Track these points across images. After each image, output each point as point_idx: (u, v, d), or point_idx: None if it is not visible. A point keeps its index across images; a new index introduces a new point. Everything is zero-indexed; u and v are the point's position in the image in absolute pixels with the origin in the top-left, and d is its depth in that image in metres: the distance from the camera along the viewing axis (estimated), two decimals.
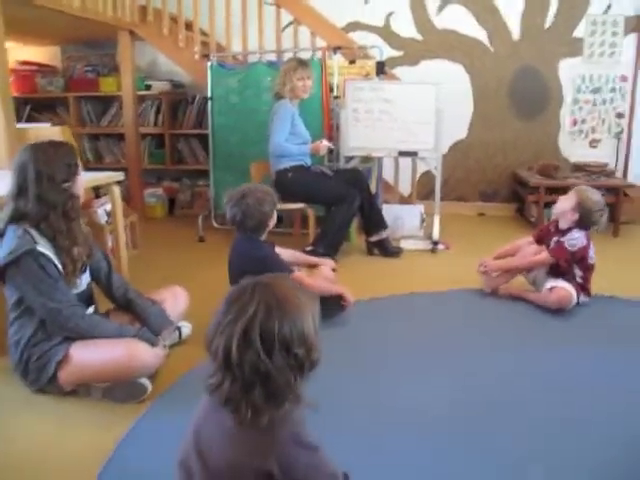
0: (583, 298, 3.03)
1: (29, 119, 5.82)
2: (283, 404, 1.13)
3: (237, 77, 4.63)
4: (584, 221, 2.99)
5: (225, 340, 1.10)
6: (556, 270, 3.05)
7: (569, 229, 3.03)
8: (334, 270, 3.13)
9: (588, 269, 3.04)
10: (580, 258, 2.99)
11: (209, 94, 4.69)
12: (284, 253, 2.95)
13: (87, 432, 1.97)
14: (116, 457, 1.80)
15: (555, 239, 3.07)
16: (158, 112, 5.62)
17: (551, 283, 3.03)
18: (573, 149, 5.39)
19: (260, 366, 1.08)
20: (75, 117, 5.73)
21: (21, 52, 5.88)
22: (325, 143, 4.03)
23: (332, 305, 2.79)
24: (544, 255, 3.06)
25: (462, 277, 3.46)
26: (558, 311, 2.94)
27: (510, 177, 5.50)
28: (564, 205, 3.04)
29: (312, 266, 3.10)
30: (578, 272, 3.03)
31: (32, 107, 5.88)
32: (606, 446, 1.82)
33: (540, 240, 3.21)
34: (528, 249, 3.21)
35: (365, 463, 1.71)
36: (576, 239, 2.98)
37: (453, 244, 4.32)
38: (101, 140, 5.87)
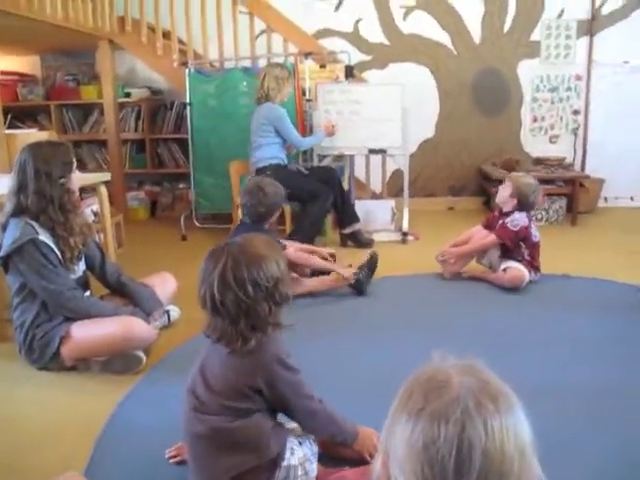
0: (534, 275, 3.34)
1: (11, 127, 5.98)
2: (266, 330, 1.43)
3: (214, 83, 4.89)
4: (523, 203, 3.31)
5: (208, 288, 1.40)
6: (506, 252, 3.35)
7: (511, 212, 3.34)
8: (332, 255, 3.44)
9: (534, 247, 3.35)
10: (524, 237, 3.31)
11: (187, 99, 4.93)
12: (289, 244, 3.29)
13: (88, 399, 2.20)
14: (116, 416, 2.05)
15: (500, 222, 3.38)
16: (138, 118, 5.83)
17: (504, 264, 3.33)
18: (534, 145, 5.74)
19: (240, 302, 1.39)
20: (57, 125, 5.93)
21: (1, 62, 6.06)
22: (332, 122, 4.43)
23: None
24: (491, 237, 3.36)
25: (430, 263, 3.71)
26: (513, 289, 3.24)
27: (476, 172, 5.82)
28: (503, 193, 3.38)
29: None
30: (525, 251, 3.34)
31: (13, 116, 6.05)
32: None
33: (489, 227, 3.50)
34: (479, 235, 3.51)
35: None
36: (517, 219, 3.29)
37: (422, 235, 4.60)
38: (83, 147, 6.05)
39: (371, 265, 3.32)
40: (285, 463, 1.48)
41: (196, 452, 1.48)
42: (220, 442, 1.44)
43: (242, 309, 1.39)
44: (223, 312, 1.40)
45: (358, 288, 3.24)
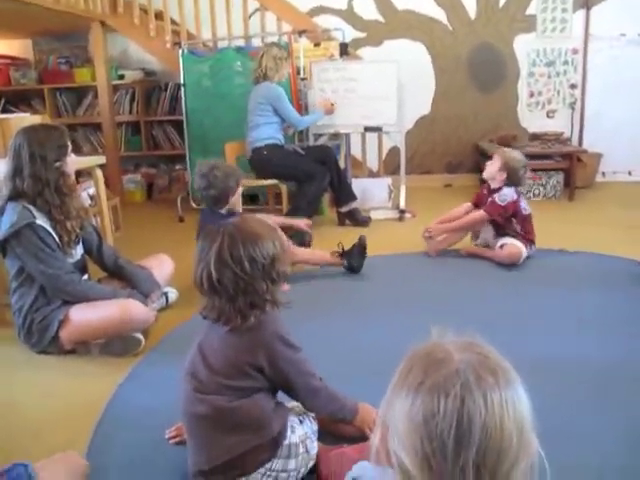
0: (530, 250, 3.33)
1: (4, 112, 5.94)
2: (264, 307, 1.43)
3: (208, 63, 4.85)
4: (511, 178, 3.29)
5: (205, 267, 1.40)
6: (499, 228, 3.34)
7: (499, 188, 3.32)
8: (309, 227, 3.50)
9: (525, 220, 3.34)
10: (513, 212, 3.29)
11: (182, 80, 4.89)
12: (264, 218, 3.22)
13: (88, 382, 2.21)
14: (116, 398, 2.05)
15: (489, 199, 3.36)
16: (132, 100, 5.79)
17: (501, 241, 3.33)
18: (531, 120, 5.70)
19: (237, 280, 1.39)
20: (51, 108, 5.88)
21: None
22: (331, 100, 4.43)
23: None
24: (480, 213, 3.34)
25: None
26: (511, 265, 3.24)
27: (473, 148, 5.79)
28: (491, 168, 3.34)
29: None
30: (517, 226, 3.33)
31: (6, 100, 6.01)
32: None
33: (478, 204, 3.48)
34: (467, 214, 3.47)
35: None
36: (505, 194, 3.28)
37: (420, 213, 4.59)
38: (78, 130, 6.02)
39: (360, 249, 3.28)
40: (286, 441, 1.48)
41: (197, 432, 1.48)
42: (221, 422, 1.43)
43: (240, 286, 1.39)
44: (221, 290, 1.40)
45: (349, 269, 3.25)
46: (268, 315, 1.45)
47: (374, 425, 1.59)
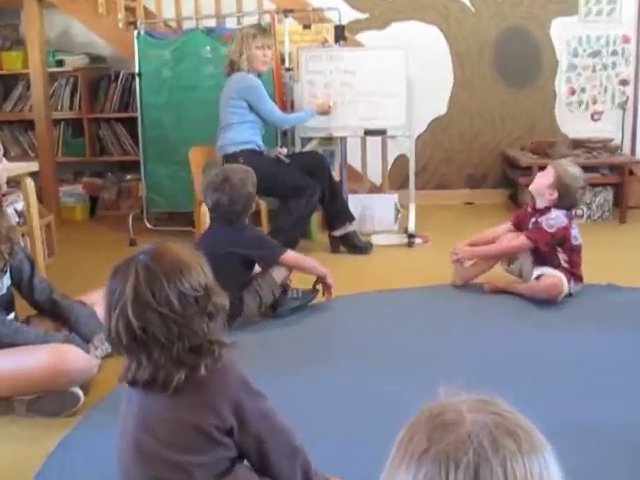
0: (575, 286, 3.35)
1: None
2: (212, 351, 1.42)
3: (170, 48, 4.89)
4: (564, 199, 3.32)
5: (121, 315, 1.36)
6: (540, 257, 3.37)
7: (547, 208, 3.35)
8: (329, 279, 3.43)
9: (573, 251, 3.37)
10: (561, 240, 3.32)
11: (137, 69, 4.93)
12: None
13: (11, 448, 2.18)
14: (46, 470, 2.02)
15: (532, 220, 3.39)
16: (74, 93, 5.80)
17: (538, 271, 3.35)
18: (572, 123, 5.77)
19: (168, 323, 1.36)
20: None
21: None
22: (330, 100, 4.47)
23: (305, 296, 3.35)
24: (521, 239, 3.38)
25: (443, 272, 3.71)
26: (548, 301, 3.25)
27: (500, 158, 5.84)
28: (541, 182, 3.38)
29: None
30: (563, 256, 3.35)
31: None
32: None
33: (519, 225, 3.52)
34: (506, 237, 3.51)
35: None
36: (554, 219, 3.31)
37: (434, 237, 4.62)
38: (4, 129, 6.01)
39: (306, 298, 3.36)
40: None
41: None
42: None
43: (173, 331, 1.36)
44: (148, 341, 1.36)
45: (272, 307, 3.29)
46: (222, 359, 1.44)
47: None
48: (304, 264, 3.34)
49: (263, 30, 4.33)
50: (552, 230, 3.30)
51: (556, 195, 3.32)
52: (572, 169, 3.37)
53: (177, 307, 1.36)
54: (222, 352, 1.44)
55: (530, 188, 3.50)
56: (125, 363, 1.43)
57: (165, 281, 1.36)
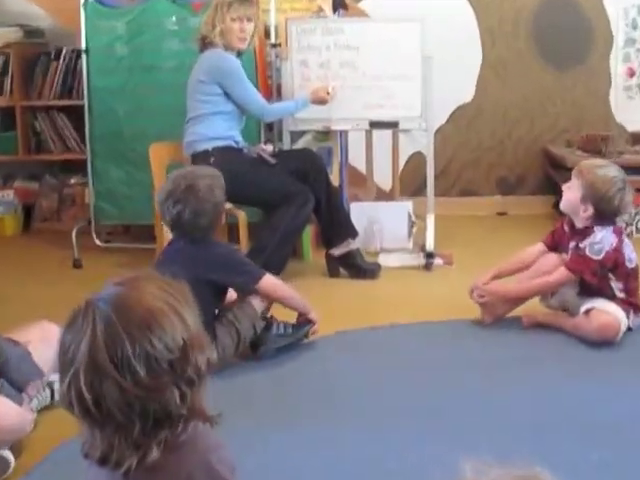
0: (635, 318, 3.33)
1: None
2: (177, 426, 1.35)
3: (125, 19, 4.89)
4: (603, 213, 3.28)
5: (73, 381, 1.30)
6: (587, 287, 3.34)
7: (588, 228, 3.32)
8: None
9: (630, 276, 3.35)
10: (613, 265, 3.30)
11: (83, 45, 4.92)
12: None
13: None
14: None
15: (572, 244, 3.36)
16: (4, 74, 5.77)
17: (587, 305, 3.32)
18: (631, 112, 5.79)
19: (127, 397, 1.29)
20: None
21: None
22: (329, 85, 4.45)
23: (295, 332, 3.31)
24: (561, 272, 3.33)
25: (468, 302, 3.66)
26: (603, 343, 3.22)
27: (541, 156, 5.84)
28: (569, 197, 3.36)
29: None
30: (617, 284, 3.33)
31: None
32: None
33: (555, 246, 3.50)
34: (544, 261, 3.47)
35: None
36: (600, 242, 3.26)
37: (458, 257, 4.58)
38: None
39: (297, 334, 3.34)
40: None
41: None
42: None
43: (134, 409, 1.30)
44: (103, 417, 1.30)
45: (252, 345, 3.27)
46: (189, 437, 1.38)
47: None
48: (285, 295, 3.28)
49: None
50: (599, 257, 3.26)
51: (592, 210, 3.28)
52: (602, 171, 3.31)
53: (143, 377, 1.28)
54: (190, 425, 1.38)
55: (561, 207, 3.49)
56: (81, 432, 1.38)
57: (128, 342, 1.28)
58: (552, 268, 3.40)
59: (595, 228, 3.29)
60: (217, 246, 3.27)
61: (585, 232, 3.32)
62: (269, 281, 3.18)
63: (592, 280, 3.28)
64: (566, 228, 3.46)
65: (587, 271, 3.27)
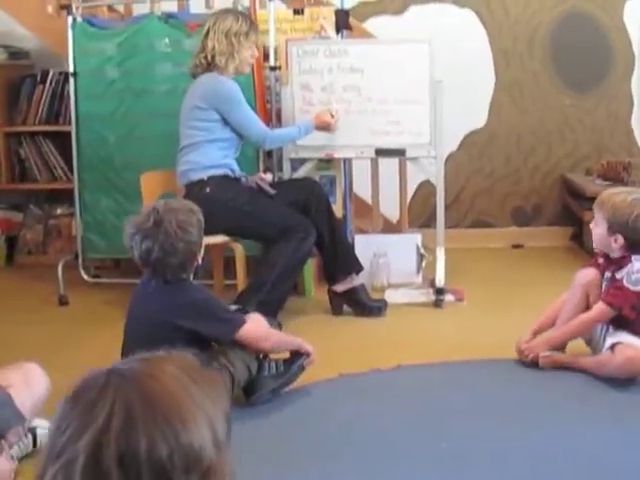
0: None
1: None
2: None
3: (116, 40, 4.85)
4: (632, 238, 3.27)
5: (61, 473, 1.07)
6: (617, 319, 3.30)
7: (624, 258, 3.30)
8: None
9: None
10: None
11: (71, 68, 4.88)
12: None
13: None
14: None
15: (608, 275, 3.33)
16: None
17: (612, 339, 3.29)
18: None
19: None
20: None
21: None
22: (333, 109, 4.43)
23: (287, 369, 3.26)
24: (599, 307, 3.30)
25: (482, 342, 3.69)
26: (629, 380, 3.19)
27: (559, 185, 5.82)
28: (597, 233, 3.38)
29: None
30: None
31: None
32: None
33: None
34: (582, 275, 3.44)
35: None
36: (638, 271, 3.24)
37: (470, 294, 4.55)
38: None
39: (290, 374, 3.27)
40: None
41: None
42: None
43: None
44: None
45: (245, 390, 3.20)
46: None
47: None
48: (270, 345, 3.23)
49: (253, 25, 4.30)
50: (638, 288, 3.24)
51: (622, 239, 3.28)
52: (620, 197, 3.33)
53: None
54: None
55: (594, 244, 3.50)
56: None
57: (144, 453, 1.06)
58: (589, 282, 3.42)
59: (633, 257, 3.28)
60: (192, 289, 3.17)
61: (621, 261, 3.33)
62: (250, 331, 3.09)
63: (630, 315, 3.27)
64: (600, 260, 3.45)
65: (626, 305, 3.26)
